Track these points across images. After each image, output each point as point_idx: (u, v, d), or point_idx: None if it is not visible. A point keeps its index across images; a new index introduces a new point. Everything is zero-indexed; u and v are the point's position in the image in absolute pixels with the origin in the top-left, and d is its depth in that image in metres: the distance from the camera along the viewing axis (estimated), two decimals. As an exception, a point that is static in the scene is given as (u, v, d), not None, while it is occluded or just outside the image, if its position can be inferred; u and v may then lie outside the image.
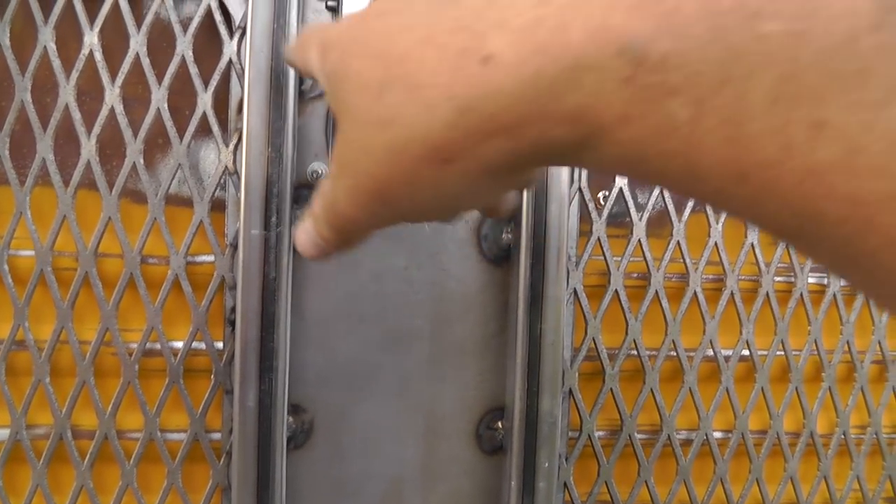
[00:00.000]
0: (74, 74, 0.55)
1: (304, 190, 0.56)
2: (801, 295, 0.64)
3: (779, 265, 0.63)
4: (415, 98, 0.25)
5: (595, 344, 0.60)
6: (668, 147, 0.21)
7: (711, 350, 0.63)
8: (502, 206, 0.40)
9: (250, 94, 0.53)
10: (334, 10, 0.56)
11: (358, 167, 0.28)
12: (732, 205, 0.22)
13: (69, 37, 0.56)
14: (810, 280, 0.65)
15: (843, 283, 0.66)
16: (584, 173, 0.59)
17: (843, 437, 0.66)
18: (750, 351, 0.63)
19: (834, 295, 0.65)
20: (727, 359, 0.63)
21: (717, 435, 0.63)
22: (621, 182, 0.59)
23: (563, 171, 0.55)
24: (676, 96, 0.20)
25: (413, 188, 0.27)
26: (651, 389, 0.62)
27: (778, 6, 0.19)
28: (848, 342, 0.66)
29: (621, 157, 0.23)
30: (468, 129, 0.24)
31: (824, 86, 0.18)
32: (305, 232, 0.34)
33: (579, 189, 0.59)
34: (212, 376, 0.57)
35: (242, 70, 0.54)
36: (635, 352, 0.61)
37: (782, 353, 0.64)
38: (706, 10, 0.20)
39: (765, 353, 0.64)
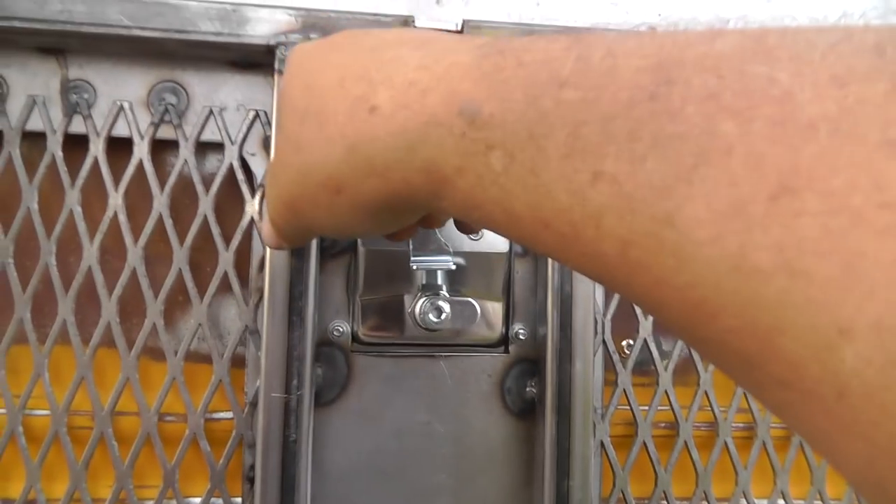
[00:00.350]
0: (98, 237, 0.55)
1: (325, 348, 0.56)
2: (836, 441, 0.62)
3: (811, 411, 0.61)
4: (321, 132, 0.29)
5: (624, 496, 0.58)
6: (491, 194, 0.25)
7: (745, 501, 0.60)
8: (428, 223, 0.44)
9: (272, 255, 0.53)
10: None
11: (279, 180, 0.33)
12: (547, 250, 0.24)
13: (93, 196, 0.56)
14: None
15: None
16: (609, 323, 0.58)
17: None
18: (786, 501, 0.61)
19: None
20: (762, 509, 0.61)
21: (755, 591, 0.60)
22: (645, 332, 0.58)
23: (588, 324, 0.55)
24: (495, 150, 0.24)
25: (315, 208, 0.31)
26: (684, 543, 0.59)
27: (581, 77, 0.22)
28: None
29: (462, 204, 0.26)
30: (354, 167, 0.28)
31: (603, 143, 0.21)
32: (266, 225, 0.38)
33: (603, 341, 0.58)
34: (229, 536, 0.55)
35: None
36: (665, 502, 0.59)
37: (820, 503, 0.62)
38: (528, 79, 0.23)
39: (802, 502, 0.61)
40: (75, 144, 0.56)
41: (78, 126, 0.56)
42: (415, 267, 0.53)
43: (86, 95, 0.57)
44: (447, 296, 0.53)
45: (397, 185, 0.28)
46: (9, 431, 0.54)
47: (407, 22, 0.55)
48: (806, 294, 0.17)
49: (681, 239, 0.19)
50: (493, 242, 0.55)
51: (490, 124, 0.24)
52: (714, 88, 0.19)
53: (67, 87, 0.56)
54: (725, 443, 0.60)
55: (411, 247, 0.53)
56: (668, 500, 0.59)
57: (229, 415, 0.56)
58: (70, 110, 0.56)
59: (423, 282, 0.54)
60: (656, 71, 0.21)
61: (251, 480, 0.55)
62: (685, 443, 0.59)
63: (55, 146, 0.56)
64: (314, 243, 0.53)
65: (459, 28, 0.56)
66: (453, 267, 0.53)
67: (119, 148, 0.56)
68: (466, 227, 0.47)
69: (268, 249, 0.53)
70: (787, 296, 0.17)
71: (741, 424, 0.61)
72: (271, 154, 0.53)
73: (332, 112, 0.29)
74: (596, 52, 0.22)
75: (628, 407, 0.58)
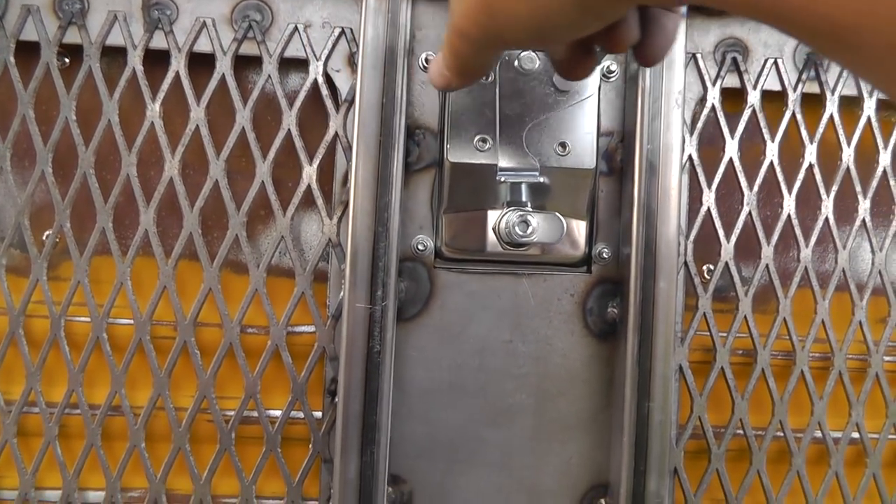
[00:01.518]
0: (180, 149, 0.55)
1: (408, 263, 0.56)
2: (914, 374, 0.61)
3: (889, 345, 0.61)
4: None
5: (701, 422, 0.58)
6: None
7: (820, 432, 0.60)
8: (618, 38, 0.38)
9: (358, 168, 0.53)
10: (440, 84, 0.56)
11: None
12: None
13: (174, 112, 0.56)
14: (923, 360, 0.62)
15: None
16: (691, 246, 0.57)
17: (959, 525, 0.63)
18: (860, 434, 0.60)
19: (948, 375, 0.62)
20: (836, 441, 0.60)
21: (827, 521, 0.60)
22: (727, 256, 0.58)
23: (673, 244, 0.54)
24: None
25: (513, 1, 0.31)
26: (758, 471, 0.59)
27: None
28: (965, 425, 0.63)
29: None
30: None
31: None
32: (434, 63, 0.40)
33: (685, 263, 0.57)
34: (309, 445, 0.55)
35: (349, 143, 0.55)
36: (741, 431, 0.58)
37: (894, 436, 0.61)
38: None
39: (876, 436, 0.61)
40: (157, 59, 0.56)
41: (159, 42, 0.56)
42: (501, 179, 0.52)
43: (168, 12, 0.56)
44: (533, 211, 0.52)
45: None
46: (93, 338, 0.55)
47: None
48: None
49: None
50: (580, 158, 0.54)
51: None
52: None
53: (149, 4, 0.56)
54: (802, 372, 0.59)
55: (498, 160, 0.53)
56: (744, 429, 0.58)
57: (311, 328, 0.56)
58: (152, 26, 0.56)
59: (508, 198, 0.54)
60: None
61: (332, 394, 0.55)
62: (762, 371, 0.58)
63: (136, 60, 0.55)
64: (398, 156, 0.53)
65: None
66: (541, 180, 0.52)
67: (201, 64, 0.56)
68: (649, 53, 0.40)
69: (354, 163, 0.53)
70: None
71: (818, 354, 0.60)
72: (358, 67, 0.53)
73: None
74: None
75: (707, 332, 0.58)
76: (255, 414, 0.55)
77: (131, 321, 0.55)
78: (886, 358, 0.61)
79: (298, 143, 0.56)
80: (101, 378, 0.56)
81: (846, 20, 0.23)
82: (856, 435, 0.61)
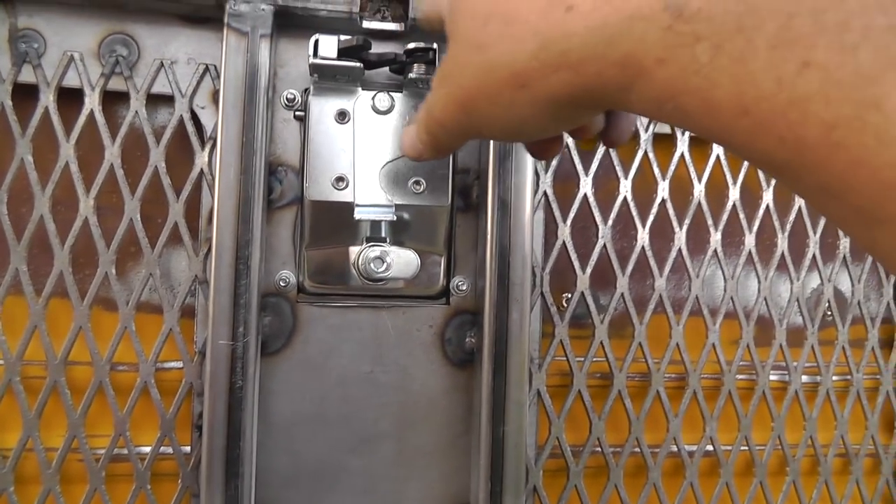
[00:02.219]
0: (50, 186, 0.56)
1: (271, 298, 0.58)
2: (764, 392, 0.65)
3: (740, 364, 0.64)
4: (509, 31, 0.31)
5: (559, 442, 0.61)
6: (691, 84, 0.26)
7: (675, 446, 0.63)
8: (586, 130, 0.41)
9: (220, 205, 0.54)
10: (301, 120, 0.58)
11: (454, 80, 0.35)
12: (736, 140, 0.26)
13: (46, 148, 0.57)
14: (772, 378, 0.66)
15: (804, 379, 0.67)
16: (547, 277, 0.60)
17: (809, 530, 0.67)
18: (714, 447, 0.64)
19: (796, 392, 0.66)
20: (691, 454, 0.64)
21: (683, 531, 0.64)
22: (583, 286, 0.61)
23: (526, 277, 0.57)
24: (701, 42, 0.25)
25: (492, 105, 0.33)
26: (615, 485, 0.62)
27: None
28: (811, 437, 0.67)
29: (655, 96, 0.28)
30: (544, 62, 0.30)
31: (814, 34, 0.23)
32: (408, 134, 0.42)
33: (542, 293, 0.60)
34: (179, 481, 0.57)
35: (213, 180, 0.56)
36: (599, 449, 0.62)
37: (746, 448, 0.65)
38: None
39: (729, 448, 0.65)
40: (25, 94, 0.57)
41: (27, 76, 0.57)
42: (358, 217, 0.54)
43: (35, 45, 0.57)
44: (389, 247, 0.55)
45: (588, 78, 0.29)
46: (-38, 378, 0.56)
47: (354, -20, 0.56)
48: None
49: (886, 122, 0.21)
50: (434, 196, 0.56)
51: (697, 18, 0.25)
52: None
53: (16, 36, 0.57)
54: (658, 392, 0.63)
55: (355, 198, 0.55)
56: (601, 447, 0.62)
57: (179, 364, 0.57)
58: (19, 59, 0.56)
59: (368, 233, 0.56)
60: None
61: (200, 429, 0.57)
62: (619, 392, 0.62)
63: (4, 95, 0.56)
64: (260, 195, 0.55)
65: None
66: (394, 218, 0.55)
67: (70, 98, 0.57)
68: (614, 138, 0.43)
69: (216, 201, 0.55)
70: None
71: (674, 375, 0.64)
72: (220, 106, 0.55)
73: (523, 12, 0.31)
74: None
75: (565, 357, 0.61)
76: (126, 451, 0.57)
77: (1, 361, 0.56)
78: (739, 376, 0.65)
79: (165, 180, 0.57)
80: (-29, 416, 0.57)
81: (834, 184, 0.24)
82: (710, 448, 0.64)
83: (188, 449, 0.57)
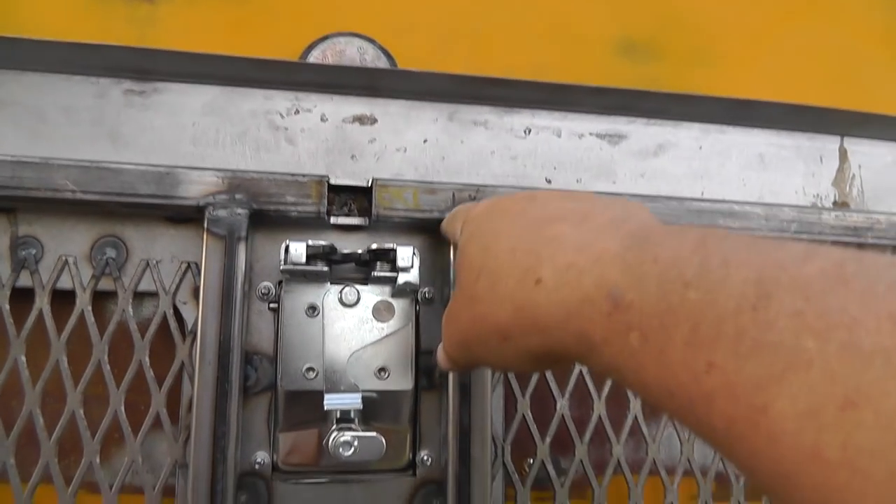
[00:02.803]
0: (40, 384, 0.60)
1: (248, 477, 0.61)
2: (723, 549, 0.68)
3: (698, 521, 0.67)
4: (494, 291, 0.37)
5: None
6: (629, 364, 0.30)
7: None
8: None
9: (198, 396, 0.59)
10: (275, 311, 0.63)
11: (455, 323, 0.41)
12: (672, 415, 0.29)
13: (38, 344, 0.62)
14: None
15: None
16: (508, 447, 0.64)
17: None
18: None
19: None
20: None
21: None
22: (542, 454, 0.65)
23: (486, 454, 0.61)
24: (633, 330, 0.30)
25: (484, 349, 0.39)
26: None
27: (701, 281, 0.28)
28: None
29: (606, 367, 0.32)
30: (520, 323, 0.35)
31: (715, 339, 0.26)
32: (440, 352, 0.47)
33: (503, 463, 0.64)
34: None
35: (193, 371, 0.61)
36: None
37: None
38: (661, 276, 0.29)
39: None
40: (21, 297, 0.62)
41: (25, 280, 0.62)
42: (327, 408, 0.59)
43: (33, 251, 0.63)
44: (357, 432, 0.59)
45: (555, 343, 0.34)
46: (-50, 571, 0.58)
47: (322, 182, 0.63)
48: (862, 488, 0.22)
49: (772, 426, 0.24)
50: (398, 381, 0.61)
51: (631, 309, 0.30)
52: (801, 308, 0.25)
53: (16, 244, 0.63)
54: (622, 555, 0.65)
55: (325, 387, 0.59)
56: None
57: (161, 546, 0.60)
58: (18, 266, 0.62)
59: (338, 416, 0.60)
60: (758, 285, 0.26)
61: None
62: (583, 556, 0.64)
63: (2, 300, 0.61)
64: (235, 383, 0.59)
65: (370, 185, 0.63)
66: (361, 406, 0.59)
67: (63, 299, 0.62)
68: None
69: (195, 391, 0.59)
70: (848, 486, 0.23)
71: (635, 537, 0.67)
72: (199, 303, 0.60)
73: (504, 276, 0.36)
74: (714, 259, 0.28)
75: (529, 524, 0.64)
76: None
77: (-11, 548, 0.59)
78: (699, 534, 0.68)
79: (149, 374, 0.62)
80: None
81: (743, 466, 0.27)
82: None
83: None
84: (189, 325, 0.63)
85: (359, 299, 0.62)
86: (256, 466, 0.61)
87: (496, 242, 0.39)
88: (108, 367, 0.61)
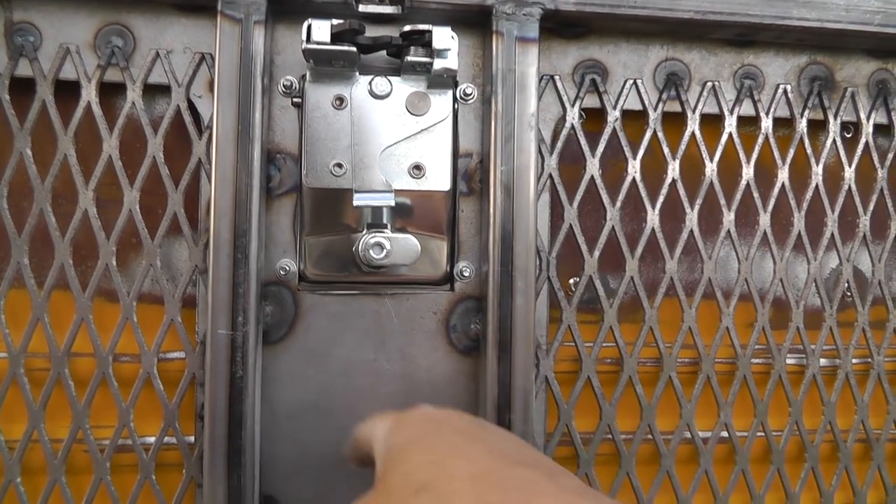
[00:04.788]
0: (49, 180, 0.56)
1: (272, 287, 0.57)
2: (780, 376, 0.63)
3: (756, 348, 0.63)
4: None
5: (568, 429, 0.60)
6: None
7: (689, 433, 0.62)
8: None
9: (217, 195, 0.54)
10: (299, 107, 0.57)
11: None
12: None
13: (44, 140, 0.57)
14: (789, 361, 0.64)
15: (822, 363, 0.65)
16: (554, 261, 0.59)
17: (829, 517, 0.65)
18: (729, 433, 0.62)
19: (814, 375, 0.64)
20: (706, 441, 0.62)
21: (698, 519, 0.63)
22: (591, 270, 0.59)
23: (530, 262, 0.55)
24: None
25: None
26: (627, 473, 0.61)
27: None
28: (830, 422, 0.65)
29: None
30: None
31: None
32: None
33: (548, 278, 0.59)
34: (183, 471, 0.57)
35: (211, 170, 0.55)
36: (610, 436, 0.60)
37: (762, 434, 0.63)
38: None
39: (744, 434, 0.63)
40: (22, 88, 0.56)
41: (24, 69, 0.56)
42: (357, 204, 0.53)
43: (31, 38, 0.57)
44: (389, 233, 0.54)
45: None
46: (-33, 372, 0.56)
47: None
48: None
49: None
50: (435, 181, 0.55)
51: None
52: None
53: (12, 30, 0.56)
54: (670, 377, 0.61)
55: (354, 185, 0.54)
56: (612, 434, 0.60)
57: (181, 354, 0.57)
58: (15, 53, 0.56)
59: (369, 220, 0.55)
60: None
61: (202, 419, 0.56)
62: (630, 378, 0.60)
63: (1, 89, 0.56)
64: (256, 182, 0.54)
65: None
66: (393, 203, 0.53)
67: (67, 91, 0.57)
68: None
69: (213, 190, 0.54)
70: None
71: (686, 360, 0.62)
72: (214, 94, 0.54)
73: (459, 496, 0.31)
74: None
75: (573, 343, 0.59)
76: (130, 442, 0.56)
77: (5, 354, 0.56)
78: (754, 360, 0.63)
79: (164, 170, 0.57)
80: (-23, 411, 0.57)
81: None
82: (725, 434, 0.63)
83: (192, 439, 0.57)
84: (205, 121, 0.57)
85: (391, 90, 0.55)
86: (282, 273, 0.57)
87: (452, 462, 0.33)
88: (119, 163, 0.56)
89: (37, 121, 0.56)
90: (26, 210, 0.57)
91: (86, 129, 0.57)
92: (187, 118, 0.57)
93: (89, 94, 0.56)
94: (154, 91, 0.59)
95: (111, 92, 0.59)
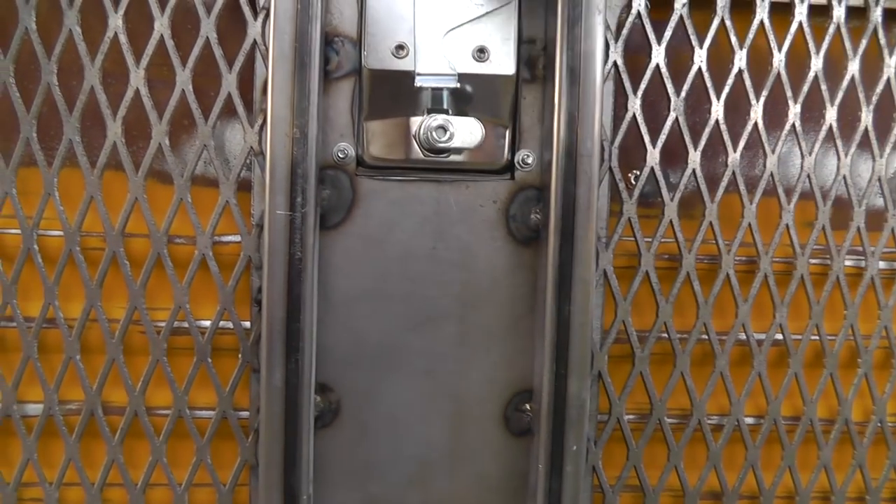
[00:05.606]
0: (99, 57, 0.54)
1: (329, 171, 0.56)
2: (838, 278, 0.62)
3: (814, 247, 0.61)
4: None
5: (625, 326, 0.59)
6: None
7: (743, 334, 0.61)
8: None
9: (274, 74, 0.52)
10: (359, -6, 0.55)
11: None
12: None
13: (94, 20, 0.55)
14: (847, 263, 0.63)
15: (881, 265, 0.64)
16: (616, 151, 0.57)
17: (879, 425, 0.65)
18: (783, 335, 0.62)
19: (872, 278, 0.63)
20: (760, 343, 0.62)
21: (749, 421, 0.62)
22: (653, 161, 0.58)
23: (595, 148, 0.54)
24: None
25: None
26: (681, 373, 0.60)
27: None
28: (886, 327, 0.64)
29: None
30: None
31: None
32: None
33: (609, 168, 0.57)
34: (239, 355, 0.57)
35: (267, 51, 0.54)
36: (666, 335, 0.60)
37: (817, 337, 0.63)
38: None
39: (799, 337, 0.62)
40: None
41: (74, -57, 0.54)
42: (418, 85, 0.52)
43: (81, -90, 0.55)
44: (452, 117, 0.52)
45: None
46: (24, 250, 0.55)
47: None
48: None
49: None
50: (499, 64, 0.54)
51: None
52: None
53: None
54: (727, 275, 0.60)
55: (416, 67, 0.52)
56: (668, 333, 0.60)
57: (237, 238, 0.56)
58: (65, -75, 0.54)
59: (429, 104, 0.54)
60: None
61: (259, 303, 0.56)
62: (687, 275, 0.59)
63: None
64: (315, 63, 0.52)
65: None
66: (457, 86, 0.52)
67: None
68: None
69: (270, 70, 0.52)
70: None
71: (744, 258, 0.61)
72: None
73: None
74: None
75: (632, 238, 0.58)
76: (186, 325, 0.56)
77: (60, 232, 0.56)
78: (812, 260, 0.62)
79: (217, 51, 0.55)
80: (34, 290, 0.57)
81: None
82: (779, 337, 0.62)
83: (248, 324, 0.57)
84: (261, 2, 0.55)
85: (456, -32, 0.53)
86: (340, 157, 0.56)
87: None
88: (171, 42, 0.55)
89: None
90: (75, 89, 0.55)
91: (135, 9, 0.55)
92: (242, -2, 0.55)
93: (140, -31, 0.54)
94: (206, -31, 0.57)
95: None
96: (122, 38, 0.55)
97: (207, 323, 0.56)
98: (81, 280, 0.56)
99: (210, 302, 0.57)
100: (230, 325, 0.56)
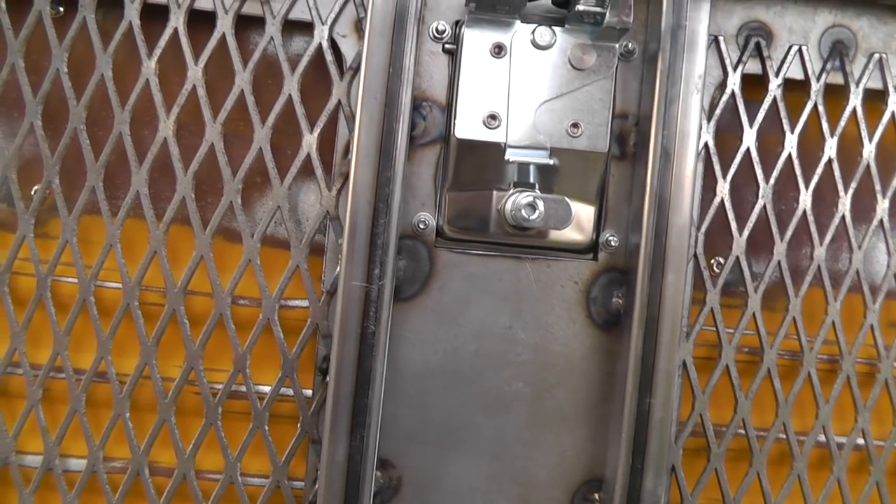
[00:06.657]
0: (175, 109, 0.53)
1: (408, 240, 0.54)
2: (923, 382, 0.59)
3: (901, 349, 0.59)
4: None
5: (702, 420, 0.56)
6: None
7: (824, 436, 0.58)
8: None
9: (360, 139, 0.50)
10: (451, 54, 0.53)
11: None
12: None
13: (173, 70, 0.54)
14: (934, 368, 0.60)
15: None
16: (702, 238, 0.55)
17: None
18: (865, 440, 0.59)
19: (959, 385, 0.60)
20: (840, 447, 0.58)
21: (824, 527, 0.59)
22: (738, 249, 0.56)
23: (684, 235, 0.52)
24: None
25: None
26: (757, 473, 0.57)
27: None
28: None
29: None
30: None
31: None
32: None
33: (695, 255, 0.55)
34: (298, 424, 0.54)
35: (352, 113, 0.52)
36: (743, 431, 0.57)
37: (900, 444, 0.59)
38: None
39: (882, 444, 0.59)
40: (154, 14, 0.53)
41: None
42: (510, 159, 0.50)
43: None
44: (541, 194, 0.50)
45: None
46: (80, 301, 0.53)
47: None
48: None
49: None
50: (592, 140, 0.52)
51: None
52: None
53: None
54: (809, 374, 0.57)
55: (507, 139, 0.51)
56: (745, 429, 0.57)
57: (304, 303, 0.54)
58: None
59: (515, 178, 0.52)
60: None
61: (324, 372, 0.53)
62: (768, 370, 0.57)
63: (133, 14, 0.53)
64: (403, 129, 0.50)
65: None
66: (550, 162, 0.50)
67: (201, 21, 0.54)
68: None
69: (356, 133, 0.50)
70: None
71: (825, 356, 0.58)
72: (366, 34, 0.50)
73: None
74: None
75: (714, 327, 0.56)
76: (244, 388, 0.53)
77: (119, 285, 0.53)
78: (896, 363, 0.59)
79: (299, 109, 0.53)
80: (87, 342, 0.54)
81: None
82: (861, 441, 0.59)
83: (310, 392, 0.54)
84: (348, 61, 0.54)
85: (554, 41, 0.52)
86: (419, 228, 0.54)
87: None
88: (251, 98, 0.53)
89: (167, 49, 0.53)
90: (147, 139, 0.54)
91: (217, 63, 0.54)
92: (329, 57, 0.53)
93: (225, 25, 0.53)
94: (292, 28, 0.55)
95: (246, 26, 0.56)
96: (201, 91, 0.53)
97: (266, 388, 0.53)
98: (136, 334, 0.53)
99: (270, 366, 0.54)
100: (289, 391, 0.53)
